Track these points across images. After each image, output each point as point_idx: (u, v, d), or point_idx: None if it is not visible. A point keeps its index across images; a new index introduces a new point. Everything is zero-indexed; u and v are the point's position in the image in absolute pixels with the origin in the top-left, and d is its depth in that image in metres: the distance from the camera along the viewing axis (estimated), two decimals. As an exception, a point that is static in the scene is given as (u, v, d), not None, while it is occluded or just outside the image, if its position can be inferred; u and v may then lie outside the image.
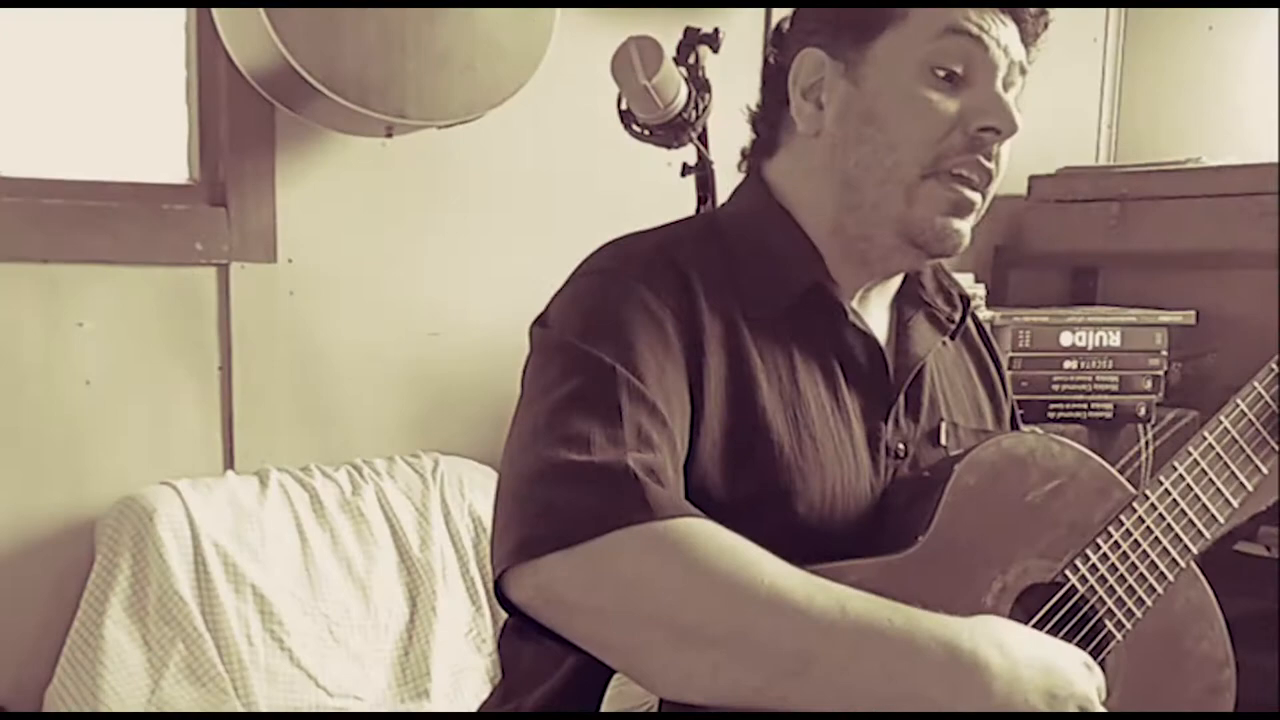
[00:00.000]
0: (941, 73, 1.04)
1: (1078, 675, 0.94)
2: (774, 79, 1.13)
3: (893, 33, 1.05)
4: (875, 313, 1.15)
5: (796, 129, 1.10)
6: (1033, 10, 1.08)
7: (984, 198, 1.08)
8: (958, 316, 1.19)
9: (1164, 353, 2.55)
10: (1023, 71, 1.08)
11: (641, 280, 1.02)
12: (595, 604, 0.87)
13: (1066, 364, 2.50)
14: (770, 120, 1.14)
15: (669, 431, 0.95)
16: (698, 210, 1.67)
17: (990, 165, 1.06)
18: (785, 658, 0.85)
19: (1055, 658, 0.93)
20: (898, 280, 1.16)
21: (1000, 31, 1.05)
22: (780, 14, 1.16)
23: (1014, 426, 1.28)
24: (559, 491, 0.89)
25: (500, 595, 0.91)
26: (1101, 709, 0.95)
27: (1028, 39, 1.09)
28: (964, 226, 1.07)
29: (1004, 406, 1.26)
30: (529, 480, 0.92)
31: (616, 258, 1.06)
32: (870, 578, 0.93)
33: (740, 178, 1.19)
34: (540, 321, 1.06)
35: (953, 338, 1.20)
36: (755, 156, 1.17)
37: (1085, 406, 2.51)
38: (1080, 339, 2.50)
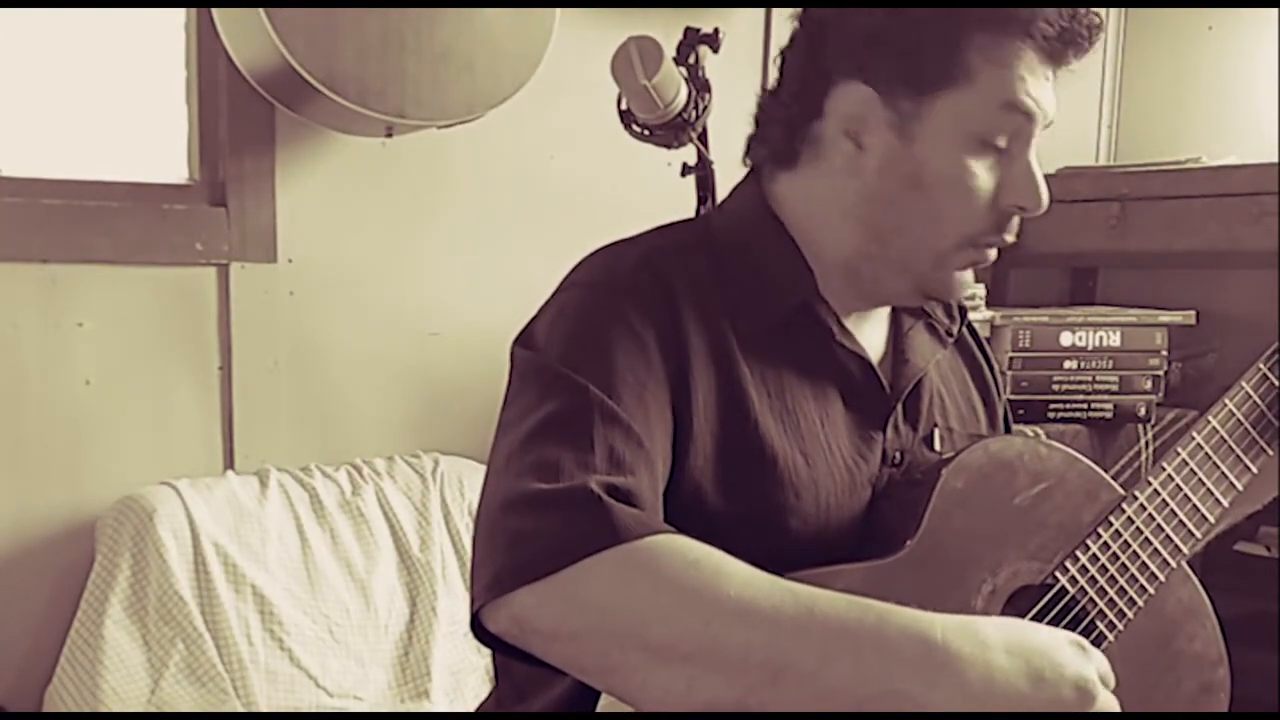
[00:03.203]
0: (988, 145, 1.01)
1: (1066, 655, 0.92)
2: (808, 89, 1.05)
3: (954, 95, 1.00)
4: (873, 321, 1.14)
5: (823, 155, 1.06)
6: (1080, 54, 1.04)
7: None
8: (956, 329, 1.19)
9: (1164, 353, 2.54)
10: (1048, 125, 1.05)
11: (625, 295, 1.00)
12: (568, 631, 0.87)
13: (1066, 364, 2.49)
14: (792, 127, 1.07)
15: (646, 452, 0.94)
16: (698, 210, 1.67)
17: (1011, 238, 1.06)
18: (758, 667, 0.85)
19: (1036, 640, 0.91)
20: None
21: (1047, 95, 1.02)
22: (780, 13, 1.14)
23: (1007, 430, 1.28)
24: (527, 522, 0.89)
25: (478, 629, 0.91)
26: (1106, 693, 0.94)
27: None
28: (970, 278, 1.09)
29: (998, 410, 1.26)
30: (499, 510, 0.92)
31: (601, 270, 1.05)
32: (857, 583, 0.93)
33: (741, 173, 1.16)
34: (521, 340, 1.05)
35: (945, 345, 1.19)
36: (770, 163, 1.11)
37: (1085, 406, 2.51)
38: (1080, 339, 2.50)
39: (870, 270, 1.07)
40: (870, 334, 1.13)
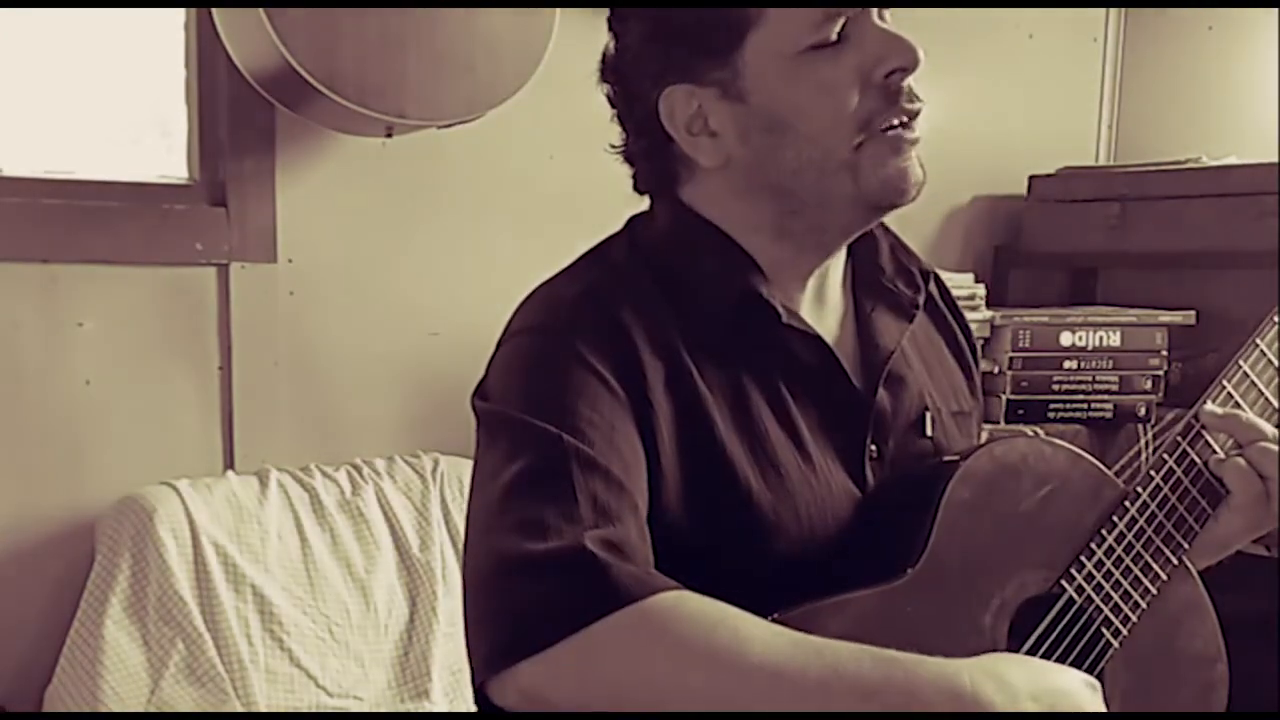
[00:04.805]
0: (820, 47, 0.98)
1: (1084, 698, 0.92)
2: (641, 121, 1.06)
3: (756, 35, 0.99)
4: (830, 303, 1.11)
5: (693, 164, 1.05)
6: None
7: (917, 134, 1.02)
8: (921, 299, 1.15)
9: (1164, 353, 2.54)
10: None
11: (574, 333, 0.97)
12: (584, 703, 0.85)
13: (1066, 364, 2.50)
14: (659, 156, 1.07)
15: (628, 494, 0.92)
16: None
17: (915, 106, 1.00)
18: None
19: (1058, 684, 0.91)
20: (843, 268, 1.12)
21: None
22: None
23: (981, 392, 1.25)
24: (522, 586, 0.86)
25: (481, 700, 0.89)
26: None
27: None
28: (912, 163, 1.01)
29: (975, 375, 1.23)
30: (490, 574, 0.89)
31: (544, 312, 1.02)
32: (870, 609, 0.92)
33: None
34: (479, 394, 1.02)
35: (911, 320, 1.15)
36: (660, 191, 1.10)
37: (1085, 407, 2.51)
38: (1080, 339, 2.50)
39: (802, 225, 1.04)
40: (827, 319, 1.10)
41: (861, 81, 0.99)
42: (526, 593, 0.86)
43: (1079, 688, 0.93)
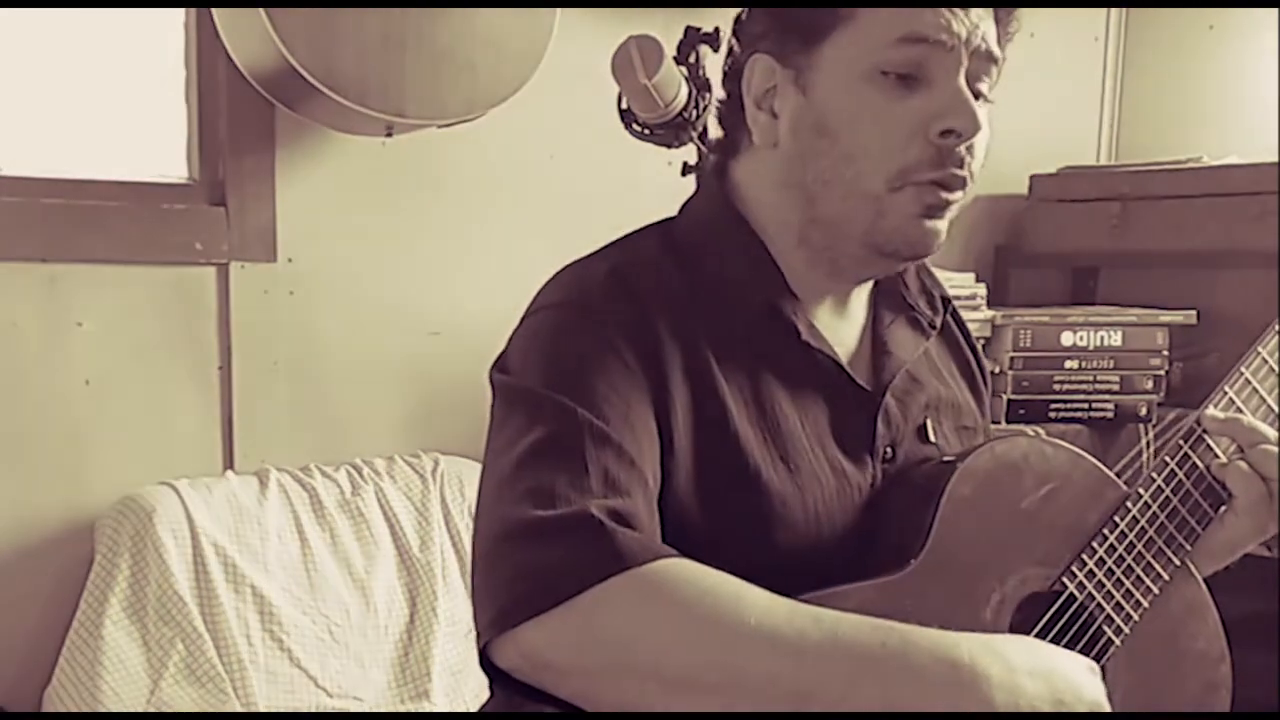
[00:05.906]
0: (893, 76, 0.98)
1: (1085, 681, 0.93)
2: (731, 79, 1.08)
3: (841, 35, 0.99)
4: (852, 314, 1.12)
5: (752, 136, 1.06)
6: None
7: (962, 193, 1.03)
8: (939, 321, 1.17)
9: (1165, 352, 2.54)
10: (993, 60, 1.02)
11: (597, 313, 0.99)
12: (583, 665, 0.86)
13: (1067, 364, 2.49)
14: (731, 120, 1.09)
15: (639, 471, 0.93)
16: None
17: (963, 173, 1.00)
18: (782, 696, 0.84)
19: (1058, 665, 0.92)
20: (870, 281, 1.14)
21: (963, 26, 0.98)
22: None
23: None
24: (528, 552, 0.88)
25: (486, 665, 0.90)
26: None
27: (1003, 29, 1.03)
28: (940, 225, 1.02)
29: (985, 399, 1.24)
30: (498, 541, 0.90)
31: (569, 289, 1.03)
32: (870, 601, 0.93)
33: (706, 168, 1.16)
34: (499, 366, 1.04)
35: (928, 337, 1.16)
36: (721, 154, 1.12)
37: (1086, 406, 2.50)
38: (1081, 339, 2.50)
39: (820, 237, 1.05)
40: (846, 330, 1.11)
41: (916, 129, 0.98)
42: (530, 557, 0.87)
43: (1078, 669, 0.93)
